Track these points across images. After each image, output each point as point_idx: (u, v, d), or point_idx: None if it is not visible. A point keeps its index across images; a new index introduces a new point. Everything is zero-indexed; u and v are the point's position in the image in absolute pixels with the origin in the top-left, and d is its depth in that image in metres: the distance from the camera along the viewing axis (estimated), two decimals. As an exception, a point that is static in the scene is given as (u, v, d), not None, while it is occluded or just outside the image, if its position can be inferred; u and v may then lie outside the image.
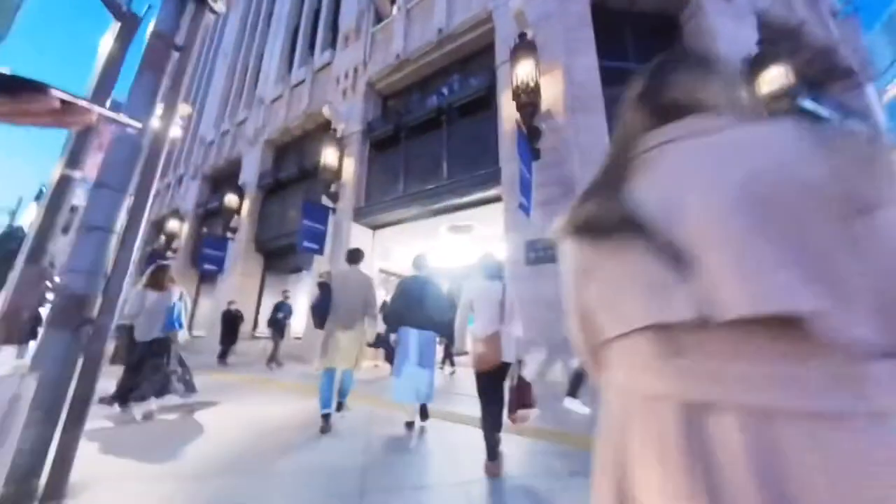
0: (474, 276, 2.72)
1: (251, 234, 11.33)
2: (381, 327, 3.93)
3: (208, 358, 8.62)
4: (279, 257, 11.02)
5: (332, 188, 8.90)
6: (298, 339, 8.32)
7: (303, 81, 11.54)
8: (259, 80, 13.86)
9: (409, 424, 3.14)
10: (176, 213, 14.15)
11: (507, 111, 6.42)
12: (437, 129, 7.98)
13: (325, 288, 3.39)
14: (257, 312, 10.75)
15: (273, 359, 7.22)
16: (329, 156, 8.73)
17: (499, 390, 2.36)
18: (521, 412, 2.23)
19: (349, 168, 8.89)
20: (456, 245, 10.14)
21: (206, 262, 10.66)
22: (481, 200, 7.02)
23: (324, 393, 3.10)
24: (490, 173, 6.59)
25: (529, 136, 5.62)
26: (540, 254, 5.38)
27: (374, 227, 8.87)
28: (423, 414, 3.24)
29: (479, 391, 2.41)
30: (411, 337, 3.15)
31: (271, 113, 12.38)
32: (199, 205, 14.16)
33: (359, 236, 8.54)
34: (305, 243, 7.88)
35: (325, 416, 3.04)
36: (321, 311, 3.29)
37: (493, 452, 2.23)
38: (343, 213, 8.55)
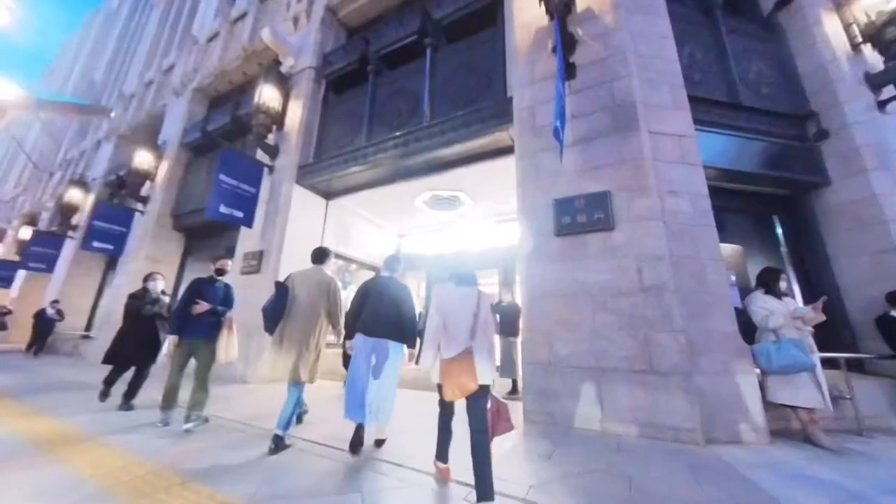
0: (445, 282, 2.28)
1: (168, 205, 8.63)
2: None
3: (84, 373, 5.98)
4: (206, 237, 8.40)
5: (270, 139, 6.51)
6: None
7: (245, 14, 9.02)
8: (196, 19, 11.11)
9: (354, 447, 2.48)
10: (79, 182, 11.05)
11: (524, 16, 4.38)
12: (417, 60, 5.83)
13: (280, 288, 2.91)
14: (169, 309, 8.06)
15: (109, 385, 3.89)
16: (267, 94, 6.35)
17: (480, 415, 1.91)
18: (499, 439, 1.99)
19: (295, 114, 6.54)
20: (439, 224, 8.01)
21: (97, 238, 7.88)
22: (477, 153, 4.94)
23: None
24: (492, 109, 4.53)
25: (562, 46, 3.60)
26: (577, 217, 3.35)
27: (328, 195, 6.56)
28: (378, 440, 2.65)
29: (442, 417, 2.14)
30: (366, 345, 2.57)
31: (206, 55, 9.73)
32: (111, 171, 11.15)
33: (305, 206, 6.21)
34: (222, 208, 5.45)
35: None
36: (273, 314, 2.83)
37: (486, 490, 1.74)
38: (283, 173, 6.18)
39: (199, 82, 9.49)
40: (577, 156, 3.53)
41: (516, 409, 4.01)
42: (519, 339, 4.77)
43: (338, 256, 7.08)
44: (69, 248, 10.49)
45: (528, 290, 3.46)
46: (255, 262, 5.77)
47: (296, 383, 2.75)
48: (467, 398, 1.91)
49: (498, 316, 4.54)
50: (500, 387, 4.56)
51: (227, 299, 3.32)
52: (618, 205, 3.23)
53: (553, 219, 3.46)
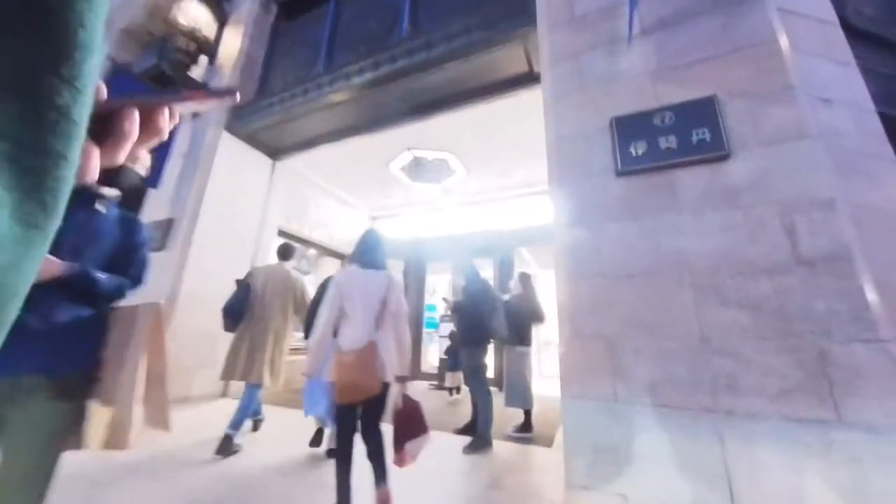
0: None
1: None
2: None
3: None
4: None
5: (196, 74, 4.85)
6: None
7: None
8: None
9: (315, 440, 2.55)
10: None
11: None
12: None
13: (241, 286, 2.79)
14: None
15: None
16: (194, 13, 4.70)
17: (377, 423, 1.70)
18: (410, 446, 1.67)
19: (233, 43, 4.92)
20: (421, 202, 6.58)
21: None
22: (477, 84, 3.51)
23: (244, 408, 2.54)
24: (503, 6, 3.11)
25: None
26: (658, 143, 1.95)
27: (275, 153, 4.95)
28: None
29: (340, 432, 1.71)
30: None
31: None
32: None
33: (240, 164, 4.59)
34: (106, 155, 3.78)
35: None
36: (233, 313, 2.71)
37: None
38: (209, 117, 4.55)
39: (128, 22, 7.63)
40: (651, 50, 2.14)
41: (531, 454, 2.58)
42: (531, 350, 3.37)
43: (287, 235, 5.46)
44: None
45: (571, 269, 2.03)
46: (160, 234, 4.10)
47: (255, 385, 2.63)
48: (364, 405, 1.68)
49: (500, 318, 3.05)
50: (503, 420, 3.11)
51: (122, 255, 1.25)
52: (733, 119, 1.86)
53: (613, 150, 2.06)
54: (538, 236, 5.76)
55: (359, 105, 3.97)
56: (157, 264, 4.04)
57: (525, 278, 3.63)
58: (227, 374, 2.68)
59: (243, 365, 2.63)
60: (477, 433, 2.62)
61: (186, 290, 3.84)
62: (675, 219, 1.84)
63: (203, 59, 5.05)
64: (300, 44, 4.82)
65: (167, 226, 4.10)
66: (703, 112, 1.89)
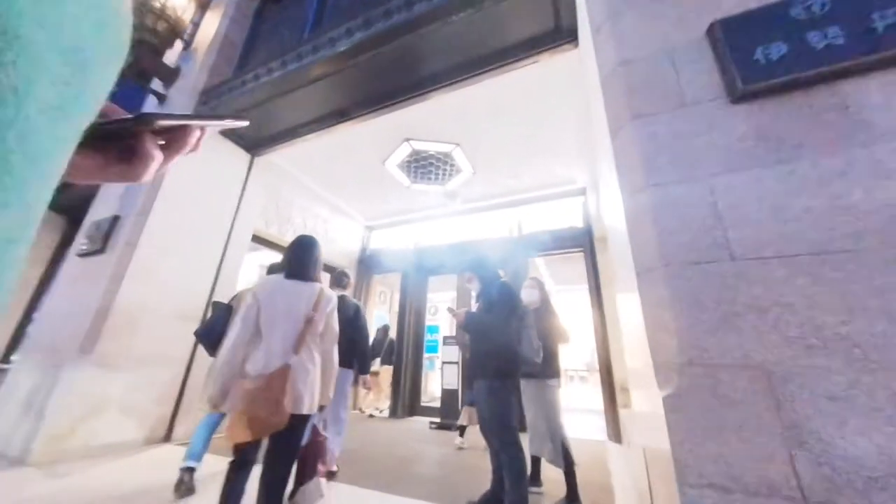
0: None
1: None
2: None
3: None
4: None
5: (169, 60, 4.27)
6: None
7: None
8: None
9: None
10: None
11: None
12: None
13: (217, 308, 2.41)
14: (21, 326, 5.32)
15: None
16: (168, -8, 4.18)
17: (284, 468, 1.46)
18: (311, 486, 1.55)
19: (211, 25, 4.38)
20: (421, 209, 5.90)
21: None
22: (497, 47, 2.84)
23: (195, 441, 2.20)
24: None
25: None
26: (808, 40, 1.19)
27: (253, 146, 4.28)
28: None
29: (234, 480, 1.42)
30: None
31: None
32: None
33: (213, 158, 3.92)
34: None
35: (187, 470, 2.11)
36: (210, 337, 2.28)
37: None
38: (176, 101, 3.91)
39: None
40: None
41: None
42: (559, 383, 2.49)
43: (265, 242, 4.71)
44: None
45: (660, 252, 1.22)
46: (100, 234, 3.33)
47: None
48: (271, 442, 1.44)
49: (531, 337, 2.16)
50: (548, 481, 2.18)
51: None
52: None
53: (721, 66, 1.30)
54: (558, 242, 4.96)
55: (346, 80, 3.30)
56: (89, 271, 3.28)
57: (541, 284, 2.81)
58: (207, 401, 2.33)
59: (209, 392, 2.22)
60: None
61: (124, 302, 3.03)
62: (864, 156, 1.05)
63: (179, 45, 4.50)
64: (284, 23, 4.25)
65: (111, 224, 3.35)
66: None
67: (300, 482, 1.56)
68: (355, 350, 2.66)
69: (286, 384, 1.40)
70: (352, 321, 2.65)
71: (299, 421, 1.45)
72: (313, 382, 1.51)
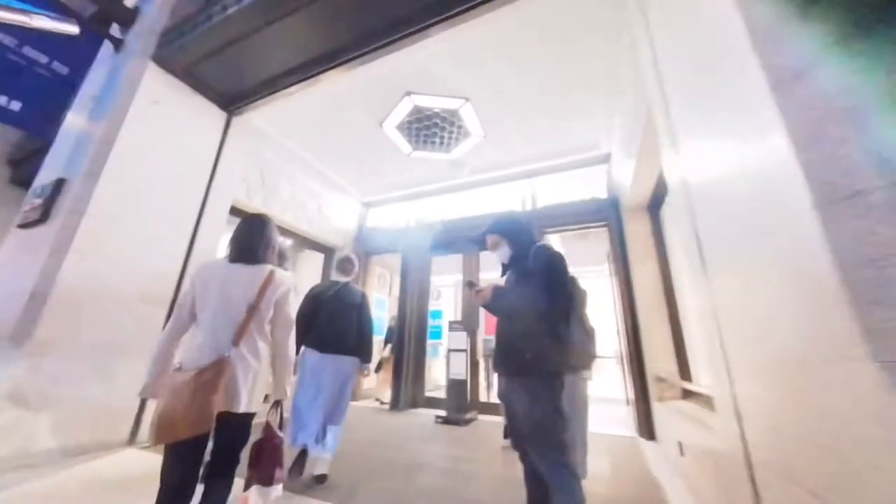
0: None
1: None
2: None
3: None
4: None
5: (124, -4, 3.62)
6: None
7: None
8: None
9: (293, 474, 2.07)
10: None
11: None
12: None
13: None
14: None
15: None
16: (121, -83, 3.49)
17: (229, 466, 1.31)
18: (254, 493, 1.29)
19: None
20: (424, 181, 5.36)
21: None
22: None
23: None
24: None
25: None
26: None
27: (229, 103, 3.68)
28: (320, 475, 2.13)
29: (169, 470, 1.24)
30: (308, 360, 2.30)
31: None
32: None
33: (179, 115, 3.33)
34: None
35: None
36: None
37: None
38: (132, 49, 3.30)
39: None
40: None
41: None
42: (591, 375, 1.98)
43: (246, 214, 4.13)
44: None
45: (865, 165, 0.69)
46: (42, 201, 2.78)
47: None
48: (217, 439, 1.28)
49: (584, 318, 1.60)
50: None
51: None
52: None
53: None
54: (577, 217, 4.43)
55: (330, 10, 2.69)
56: (30, 244, 2.75)
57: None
58: None
59: None
60: None
61: (68, 280, 2.50)
62: None
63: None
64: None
65: (54, 188, 2.79)
66: None
67: (254, 479, 1.33)
68: (361, 340, 2.48)
69: (219, 380, 1.22)
70: (358, 309, 2.50)
71: (237, 420, 1.30)
72: (255, 377, 1.35)
